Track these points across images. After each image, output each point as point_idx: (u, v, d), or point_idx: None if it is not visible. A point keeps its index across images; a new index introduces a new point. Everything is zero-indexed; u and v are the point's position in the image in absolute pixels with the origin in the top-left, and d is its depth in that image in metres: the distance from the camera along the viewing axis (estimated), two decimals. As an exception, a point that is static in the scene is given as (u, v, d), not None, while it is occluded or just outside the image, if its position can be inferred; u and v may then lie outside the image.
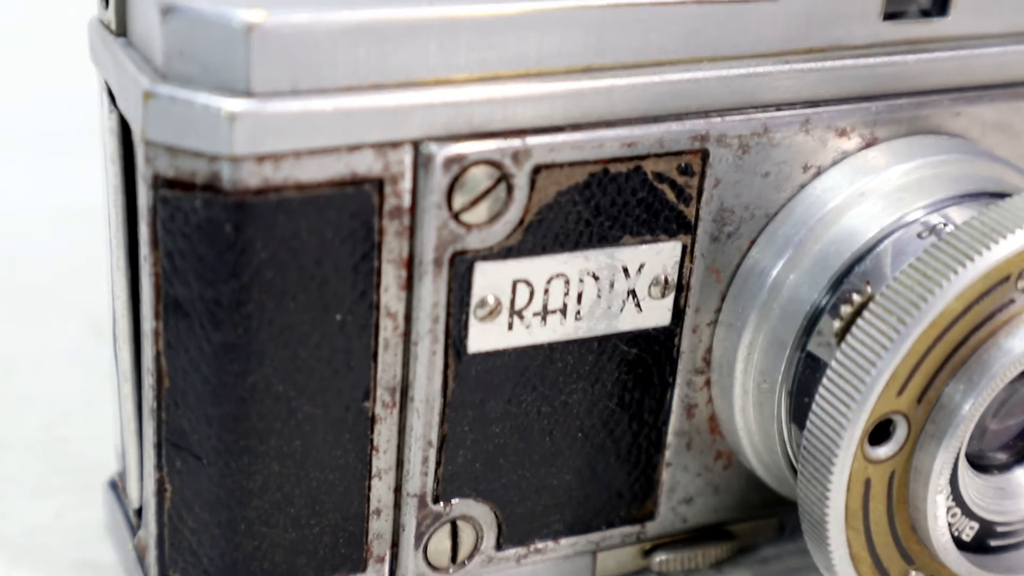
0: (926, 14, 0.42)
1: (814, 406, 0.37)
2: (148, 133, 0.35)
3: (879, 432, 0.37)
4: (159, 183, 0.35)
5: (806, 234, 0.41)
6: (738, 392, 0.42)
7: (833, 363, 0.37)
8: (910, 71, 0.42)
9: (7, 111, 0.74)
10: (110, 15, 0.38)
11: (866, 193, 0.41)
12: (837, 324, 0.38)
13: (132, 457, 0.41)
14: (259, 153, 0.34)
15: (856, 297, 0.37)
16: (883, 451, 0.37)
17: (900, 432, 0.37)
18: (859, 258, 0.40)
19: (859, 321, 0.37)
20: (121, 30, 0.37)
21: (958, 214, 0.40)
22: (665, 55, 0.39)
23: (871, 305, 0.37)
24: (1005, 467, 0.40)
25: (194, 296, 0.36)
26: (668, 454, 0.43)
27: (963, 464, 0.39)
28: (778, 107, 0.40)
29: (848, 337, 0.37)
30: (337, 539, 0.40)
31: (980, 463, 0.40)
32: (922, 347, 0.36)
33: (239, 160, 0.34)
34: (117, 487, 0.45)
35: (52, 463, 0.48)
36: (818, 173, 0.41)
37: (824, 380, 0.37)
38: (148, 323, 0.37)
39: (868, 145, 0.41)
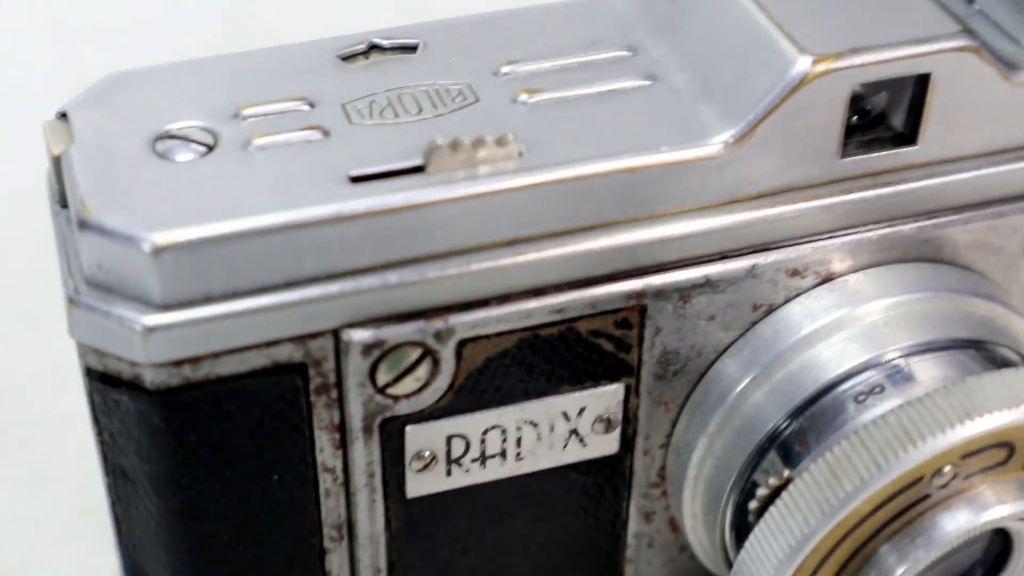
0: (893, 143, 0.40)
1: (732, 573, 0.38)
2: (75, 335, 0.36)
3: (793, 607, 0.38)
4: (92, 375, 0.37)
5: (749, 381, 0.40)
6: (688, 514, 0.42)
7: (747, 543, 0.37)
8: (872, 204, 0.40)
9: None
10: (55, 185, 0.39)
11: (812, 339, 0.40)
12: (754, 504, 0.38)
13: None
14: (176, 359, 0.36)
15: (772, 481, 0.38)
16: (796, 625, 0.38)
17: (813, 609, 0.38)
18: (800, 409, 0.40)
19: (771, 509, 0.37)
20: (63, 203, 0.39)
21: (905, 369, 0.39)
22: (596, 219, 0.38)
23: (784, 494, 0.37)
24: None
25: (136, 468, 0.38)
26: (629, 553, 0.45)
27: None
28: (722, 256, 0.39)
29: (761, 522, 0.37)
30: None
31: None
32: (829, 542, 0.36)
33: (157, 366, 0.36)
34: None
35: (83, 500, 0.52)
36: (770, 310, 0.41)
37: (741, 555, 0.38)
38: (104, 477, 0.40)
39: (824, 281, 0.41)
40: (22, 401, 0.56)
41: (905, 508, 0.36)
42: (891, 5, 0.40)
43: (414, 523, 0.41)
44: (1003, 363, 0.40)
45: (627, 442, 0.42)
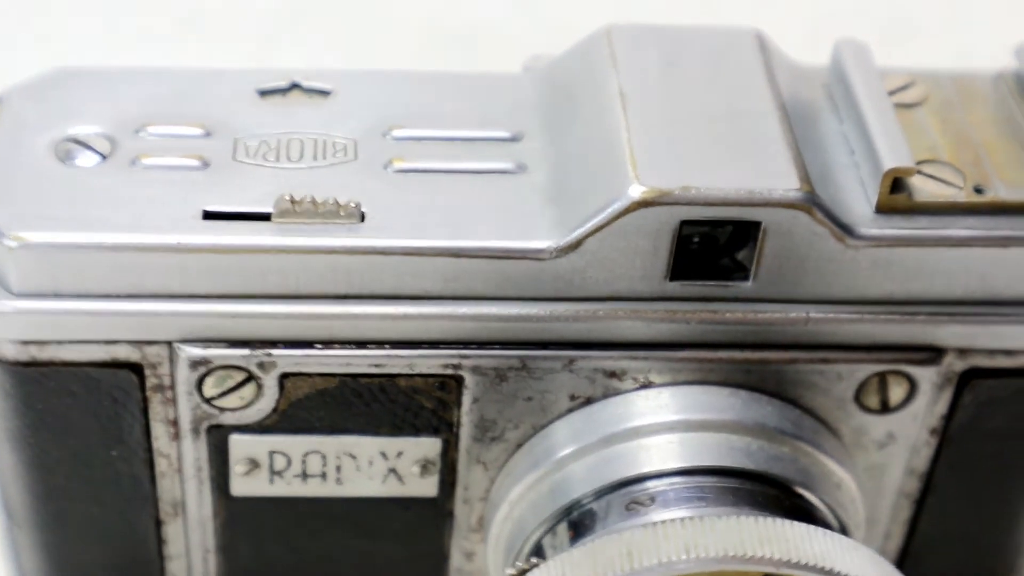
0: (726, 274, 0.42)
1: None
2: (-47, 302, 0.42)
3: None
4: (-34, 337, 0.43)
5: (556, 460, 0.43)
6: (491, 566, 0.46)
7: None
8: (697, 328, 0.42)
9: None
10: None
11: (615, 439, 0.42)
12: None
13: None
14: (23, 339, 0.41)
15: (519, 564, 0.41)
16: None
17: None
18: (598, 494, 0.42)
19: (515, 587, 0.40)
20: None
21: (679, 490, 0.41)
22: (420, 291, 0.41)
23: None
24: None
25: (-3, 420, 0.44)
26: (448, 583, 0.48)
27: None
28: (541, 345, 0.42)
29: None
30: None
31: None
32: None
33: (8, 342, 0.41)
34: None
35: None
36: (587, 402, 0.43)
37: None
38: (-22, 424, 0.45)
39: (642, 387, 0.43)
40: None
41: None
42: (750, 147, 0.41)
43: (239, 516, 0.45)
44: (791, 504, 0.42)
45: (446, 488, 0.45)
